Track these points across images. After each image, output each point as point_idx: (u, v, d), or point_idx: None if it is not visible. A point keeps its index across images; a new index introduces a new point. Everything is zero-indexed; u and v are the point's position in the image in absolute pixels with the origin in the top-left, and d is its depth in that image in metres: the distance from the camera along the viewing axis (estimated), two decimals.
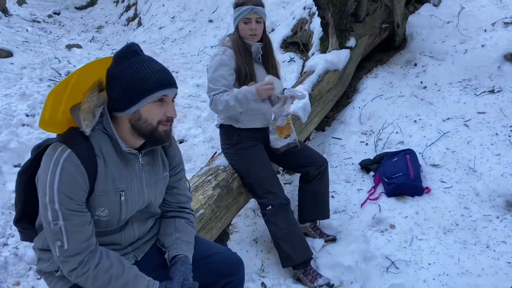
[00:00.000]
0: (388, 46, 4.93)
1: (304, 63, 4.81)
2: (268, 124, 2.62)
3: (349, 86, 4.48)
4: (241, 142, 2.53)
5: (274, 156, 2.64)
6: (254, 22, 2.38)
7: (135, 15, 10.67)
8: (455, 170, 3.06)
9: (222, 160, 2.66)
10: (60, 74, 7.11)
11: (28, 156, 1.53)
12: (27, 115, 4.85)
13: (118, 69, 1.39)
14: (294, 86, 3.87)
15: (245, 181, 2.56)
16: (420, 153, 3.23)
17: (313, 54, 4.54)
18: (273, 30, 6.18)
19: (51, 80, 6.49)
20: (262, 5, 2.44)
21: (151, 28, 8.81)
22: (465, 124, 3.45)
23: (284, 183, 3.39)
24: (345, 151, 3.62)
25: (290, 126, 2.58)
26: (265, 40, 2.51)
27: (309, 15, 5.40)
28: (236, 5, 2.43)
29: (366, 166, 3.28)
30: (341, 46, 4.30)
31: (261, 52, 2.50)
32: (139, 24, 10.07)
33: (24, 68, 6.97)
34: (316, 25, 4.88)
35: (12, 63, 6.99)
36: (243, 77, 2.42)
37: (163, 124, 1.42)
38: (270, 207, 2.41)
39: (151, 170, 1.55)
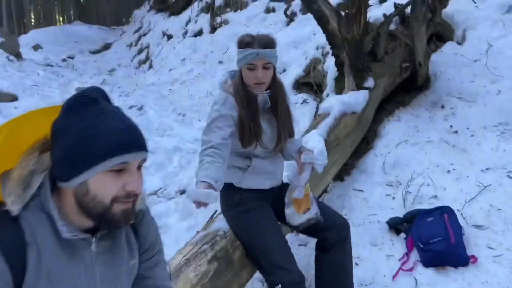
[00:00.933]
0: (410, 87, 4.52)
1: (318, 105, 4.43)
2: (278, 183, 2.19)
3: (368, 130, 4.05)
4: (243, 203, 2.09)
5: (280, 214, 2.19)
6: (260, 69, 1.92)
7: (147, 58, 10.65)
8: (504, 233, 2.54)
9: (222, 223, 2.21)
10: None
11: None
12: None
13: (65, 123, 0.99)
14: (308, 131, 3.46)
15: (248, 252, 2.09)
16: (458, 210, 2.73)
17: (327, 95, 4.16)
18: (284, 70, 5.89)
19: None
20: (271, 46, 1.95)
21: (161, 70, 8.68)
22: (508, 176, 2.95)
23: (298, 245, 2.91)
24: (369, 205, 3.13)
25: (310, 197, 2.13)
26: (275, 87, 2.06)
27: (322, 55, 5.09)
28: (239, 45, 2.00)
29: (395, 226, 2.78)
30: (359, 86, 3.91)
31: (269, 104, 2.07)
32: (150, 66, 10.00)
33: None
34: (330, 65, 4.54)
35: (16, 107, 6.82)
36: (247, 133, 1.99)
37: (121, 202, 1.00)
38: (280, 286, 1.92)
39: (111, 259, 1.11)
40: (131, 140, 0.99)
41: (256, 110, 2.02)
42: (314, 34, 5.82)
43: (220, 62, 7.31)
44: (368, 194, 3.23)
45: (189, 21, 9.77)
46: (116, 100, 8.37)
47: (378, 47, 4.24)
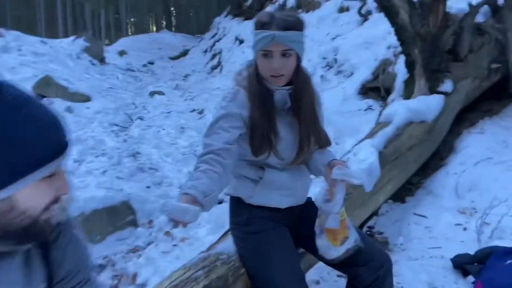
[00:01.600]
0: (500, 93, 3.73)
1: (381, 112, 3.83)
2: (300, 201, 1.72)
3: (443, 143, 3.37)
4: (252, 223, 1.66)
5: (306, 241, 1.72)
6: (277, 56, 1.45)
7: (219, 63, 10.65)
8: None
9: (229, 244, 1.80)
10: (132, 120, 7.04)
11: None
12: (75, 161, 4.54)
13: None
14: (361, 141, 2.92)
15: (253, 284, 1.66)
16: None
17: (393, 100, 3.56)
18: (352, 74, 5.34)
19: (119, 126, 6.38)
20: (295, 28, 1.45)
21: (228, 74, 8.57)
22: None
23: (337, 276, 2.39)
24: (432, 235, 2.51)
25: (347, 223, 1.62)
26: (298, 81, 1.56)
27: (394, 55, 4.47)
28: (255, 26, 1.53)
29: (462, 265, 2.15)
30: (432, 90, 3.27)
31: (290, 103, 1.60)
32: (221, 71, 9.96)
33: (99, 112, 7.01)
34: (401, 66, 3.92)
35: (88, 108, 7.09)
36: (258, 138, 1.54)
37: (50, 210, 0.82)
38: None
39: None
40: (61, 138, 0.81)
41: (272, 110, 1.56)
42: (389, 33, 5.19)
43: None
44: (433, 221, 2.61)
45: None
46: (182, 104, 8.43)
47: (461, 44, 3.54)
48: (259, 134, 1.53)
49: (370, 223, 2.77)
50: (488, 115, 3.54)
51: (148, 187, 3.80)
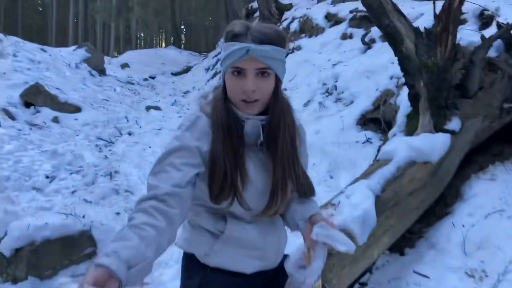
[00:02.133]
0: None
1: (379, 147, 3.49)
2: (272, 264, 1.33)
3: (448, 187, 3.00)
4: None
5: None
6: (251, 76, 1.13)
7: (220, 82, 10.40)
8: None
9: None
10: (121, 134, 6.72)
11: None
12: (47, 177, 4.20)
13: None
14: (355, 181, 2.56)
15: None
16: None
17: (394, 135, 3.21)
18: (352, 102, 5.02)
19: (104, 140, 6.05)
20: (274, 43, 1.14)
21: None
22: None
23: None
24: None
25: None
26: (275, 109, 1.21)
27: (396, 86, 4.15)
28: (225, 37, 1.19)
29: None
30: (438, 128, 2.92)
31: (262, 137, 1.22)
32: None
33: (87, 124, 6.70)
34: (404, 98, 3.59)
35: (76, 119, 6.78)
36: (219, 179, 1.17)
37: None
38: None
39: None
40: None
41: (240, 144, 1.20)
42: (392, 63, 4.91)
43: (284, 89, 6.61)
44: (436, 283, 2.23)
45: None
46: (176, 121, 8.11)
47: (470, 79, 3.20)
48: (220, 174, 1.16)
49: (362, 278, 2.38)
50: (499, 159, 3.18)
51: (117, 213, 3.44)
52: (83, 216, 3.08)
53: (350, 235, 2.07)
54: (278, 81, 1.18)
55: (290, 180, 1.24)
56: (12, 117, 5.77)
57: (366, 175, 2.66)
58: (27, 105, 6.50)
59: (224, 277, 1.26)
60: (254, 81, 1.12)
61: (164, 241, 1.01)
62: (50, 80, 7.64)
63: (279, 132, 1.21)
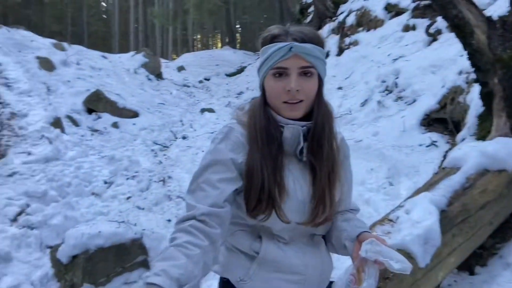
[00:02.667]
0: None
1: (446, 152, 3.17)
2: None
3: None
4: None
5: None
6: (295, 74, 1.05)
7: None
8: None
9: None
10: (176, 138, 6.84)
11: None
12: (105, 182, 4.33)
13: None
14: (416, 193, 2.32)
15: None
16: None
17: (463, 139, 2.90)
18: (414, 101, 4.67)
19: (160, 145, 6.18)
20: (315, 42, 1.08)
21: None
22: None
23: None
24: None
25: None
26: (319, 113, 1.11)
27: (466, 83, 3.77)
28: (263, 42, 1.11)
29: None
30: None
31: (303, 143, 1.11)
32: None
33: (144, 129, 6.90)
34: (475, 96, 3.24)
35: (134, 124, 7.01)
36: (256, 192, 1.07)
37: None
38: None
39: None
40: None
41: (279, 153, 1.10)
42: (462, 55, 4.49)
43: (339, 88, 6.36)
44: None
45: None
46: (224, 122, 8.13)
47: None
48: (257, 185, 1.07)
49: None
50: None
51: (169, 220, 3.43)
52: (135, 224, 3.11)
53: (409, 257, 1.85)
54: (321, 82, 1.10)
55: (335, 193, 1.13)
56: (76, 123, 6.07)
57: (429, 185, 2.41)
58: (90, 111, 6.80)
59: None
60: (298, 80, 1.05)
61: (209, 259, 0.98)
62: (110, 86, 7.96)
63: (324, 136, 1.12)
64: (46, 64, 7.43)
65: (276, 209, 1.07)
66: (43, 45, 8.08)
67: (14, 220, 3.19)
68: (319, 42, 1.10)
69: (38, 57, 7.43)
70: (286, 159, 1.11)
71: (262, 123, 1.09)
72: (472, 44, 2.79)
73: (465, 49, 2.87)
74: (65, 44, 8.93)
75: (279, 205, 1.07)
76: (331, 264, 1.22)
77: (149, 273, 0.89)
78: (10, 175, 3.76)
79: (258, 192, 1.07)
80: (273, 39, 1.08)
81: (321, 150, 1.11)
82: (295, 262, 1.13)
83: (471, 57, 2.85)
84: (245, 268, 1.13)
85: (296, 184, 1.11)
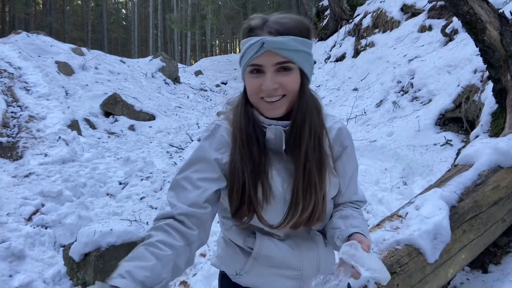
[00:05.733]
0: None
1: (459, 150, 3.11)
2: (307, 287, 1.19)
3: None
4: None
5: None
6: (270, 71, 0.99)
7: None
8: None
9: None
10: (192, 140, 6.90)
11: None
12: (120, 183, 4.40)
13: None
14: (428, 189, 2.28)
15: None
16: None
17: (476, 136, 2.84)
18: (429, 101, 4.60)
19: (175, 147, 6.24)
20: (293, 32, 1.00)
21: None
22: None
23: None
24: None
25: None
26: (299, 109, 1.04)
27: (481, 81, 3.69)
28: (242, 33, 1.06)
29: None
30: None
31: (284, 143, 1.06)
32: None
33: (160, 132, 7.00)
34: (489, 94, 3.18)
35: (150, 126, 7.12)
36: (238, 194, 1.05)
37: None
38: None
39: None
40: None
41: (262, 154, 1.05)
42: (477, 54, 4.40)
43: (355, 89, 6.30)
44: None
45: (334, 45, 9.02)
46: None
47: None
48: (238, 188, 1.04)
49: None
50: None
51: None
52: (147, 223, 3.14)
53: (418, 252, 1.83)
54: (303, 76, 1.02)
55: (315, 190, 1.06)
56: (93, 126, 6.19)
57: (441, 182, 2.37)
58: (107, 114, 6.93)
59: None
60: (273, 78, 0.98)
61: (181, 262, 0.92)
62: (127, 90, 8.10)
63: (304, 136, 1.04)
64: (65, 69, 7.62)
65: (257, 213, 1.04)
66: (63, 50, 8.27)
67: (29, 219, 3.27)
68: (301, 32, 1.00)
69: (57, 62, 7.63)
70: (273, 157, 1.07)
71: (242, 124, 1.04)
72: (484, 40, 2.74)
73: (477, 46, 2.81)
74: (83, 49, 9.14)
75: (259, 209, 1.04)
76: (330, 259, 1.19)
77: (114, 273, 0.83)
78: (27, 176, 3.86)
79: (239, 195, 1.04)
80: (250, 32, 1.01)
81: (300, 149, 1.04)
82: (291, 258, 1.11)
83: (483, 53, 2.79)
84: (242, 262, 1.13)
85: (283, 183, 1.06)
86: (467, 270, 2.35)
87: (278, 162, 1.07)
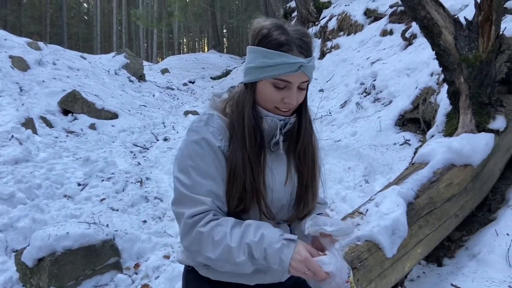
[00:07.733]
0: None
1: (416, 149, 3.22)
2: (274, 279, 1.20)
3: (492, 192, 2.72)
4: None
5: None
6: (295, 88, 1.07)
7: None
8: None
9: None
10: (157, 140, 6.77)
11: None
12: (79, 184, 4.26)
13: None
14: (386, 187, 2.35)
15: None
16: None
17: (432, 136, 2.95)
18: (390, 102, 4.74)
19: (139, 146, 6.11)
20: (312, 51, 1.12)
21: None
22: None
23: None
24: None
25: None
26: (302, 110, 1.17)
27: (437, 83, 3.84)
28: (268, 43, 1.06)
29: None
30: (480, 128, 2.66)
31: (281, 134, 1.14)
32: None
33: (123, 131, 6.81)
34: (444, 96, 3.31)
35: (113, 125, 6.92)
36: (238, 190, 1.09)
37: None
38: None
39: None
40: None
41: (260, 144, 1.11)
42: (434, 58, 4.58)
43: (321, 90, 6.40)
44: None
45: None
46: None
47: None
48: (239, 184, 1.08)
49: None
50: None
51: (144, 221, 3.38)
52: (107, 225, 3.05)
53: (377, 247, 1.88)
54: (307, 88, 1.18)
55: (316, 181, 1.22)
56: (50, 124, 5.95)
57: (399, 179, 2.45)
58: (66, 112, 6.68)
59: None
60: (296, 94, 1.09)
61: None
62: (88, 87, 7.85)
63: (302, 132, 1.18)
64: (20, 64, 7.27)
65: (262, 208, 1.10)
66: (17, 44, 7.88)
67: None
68: (313, 49, 1.14)
69: (11, 56, 7.26)
70: (268, 155, 1.14)
71: (251, 124, 1.09)
72: (440, 44, 2.85)
73: (433, 50, 2.92)
74: (40, 44, 8.72)
75: (266, 203, 1.11)
76: None
77: (271, 243, 0.99)
78: None
79: (240, 190, 1.09)
80: (279, 47, 1.05)
81: (308, 148, 1.18)
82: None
83: (439, 57, 2.90)
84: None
85: (277, 179, 1.14)
86: (423, 264, 2.44)
87: (269, 158, 1.14)
